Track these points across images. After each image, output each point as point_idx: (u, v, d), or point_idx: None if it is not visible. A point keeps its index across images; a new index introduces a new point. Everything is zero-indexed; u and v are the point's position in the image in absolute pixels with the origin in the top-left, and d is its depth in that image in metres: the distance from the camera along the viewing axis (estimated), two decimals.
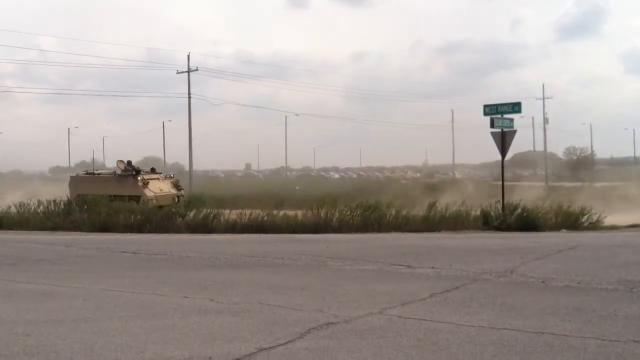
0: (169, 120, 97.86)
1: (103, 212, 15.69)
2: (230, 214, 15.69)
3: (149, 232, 14.63)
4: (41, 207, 16.67)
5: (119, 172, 23.70)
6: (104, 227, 14.97)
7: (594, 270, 7.86)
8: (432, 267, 8.28)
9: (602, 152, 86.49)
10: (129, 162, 24.36)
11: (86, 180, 24.07)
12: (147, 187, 22.41)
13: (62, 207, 16.72)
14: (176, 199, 22.81)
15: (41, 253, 10.44)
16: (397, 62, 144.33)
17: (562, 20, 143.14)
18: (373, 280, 7.50)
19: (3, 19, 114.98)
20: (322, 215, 14.94)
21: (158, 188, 23.00)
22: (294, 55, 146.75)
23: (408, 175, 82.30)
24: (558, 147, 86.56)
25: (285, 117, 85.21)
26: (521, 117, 36.27)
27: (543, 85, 76.79)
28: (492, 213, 15.28)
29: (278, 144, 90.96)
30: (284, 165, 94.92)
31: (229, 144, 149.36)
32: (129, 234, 14.40)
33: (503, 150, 16.32)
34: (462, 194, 23.90)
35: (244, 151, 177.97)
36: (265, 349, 4.43)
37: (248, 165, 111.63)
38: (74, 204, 17.08)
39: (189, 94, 45.37)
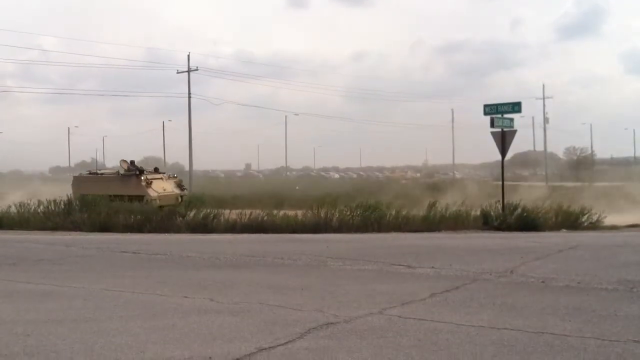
0: (169, 120, 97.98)
1: (103, 212, 15.70)
2: (230, 214, 15.70)
3: (149, 232, 14.64)
4: (41, 207, 16.67)
5: (122, 172, 23.70)
6: (104, 227, 14.98)
7: (594, 270, 7.86)
8: (432, 267, 8.29)
9: (602, 152, 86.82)
10: (132, 162, 24.32)
11: (89, 180, 24.02)
12: (150, 187, 22.40)
13: (62, 207, 16.72)
14: (179, 199, 22.71)
15: (41, 253, 10.45)
16: (397, 62, 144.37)
17: (562, 20, 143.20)
18: (373, 280, 7.50)
19: (3, 19, 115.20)
20: (322, 215, 14.94)
21: (161, 188, 22.97)
22: (294, 55, 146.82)
23: (408, 175, 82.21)
24: (558, 147, 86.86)
25: (285, 117, 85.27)
26: (521, 117, 36.39)
27: (543, 85, 77.25)
28: (492, 213, 15.28)
29: (278, 144, 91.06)
30: (284, 165, 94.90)
31: (229, 144, 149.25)
32: (129, 233, 14.40)
33: (503, 150, 16.32)
34: (462, 194, 23.91)
35: (244, 151, 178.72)
36: (265, 348, 4.44)
37: (248, 165, 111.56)
38: (74, 204, 17.07)
39: (189, 93, 45.41)
